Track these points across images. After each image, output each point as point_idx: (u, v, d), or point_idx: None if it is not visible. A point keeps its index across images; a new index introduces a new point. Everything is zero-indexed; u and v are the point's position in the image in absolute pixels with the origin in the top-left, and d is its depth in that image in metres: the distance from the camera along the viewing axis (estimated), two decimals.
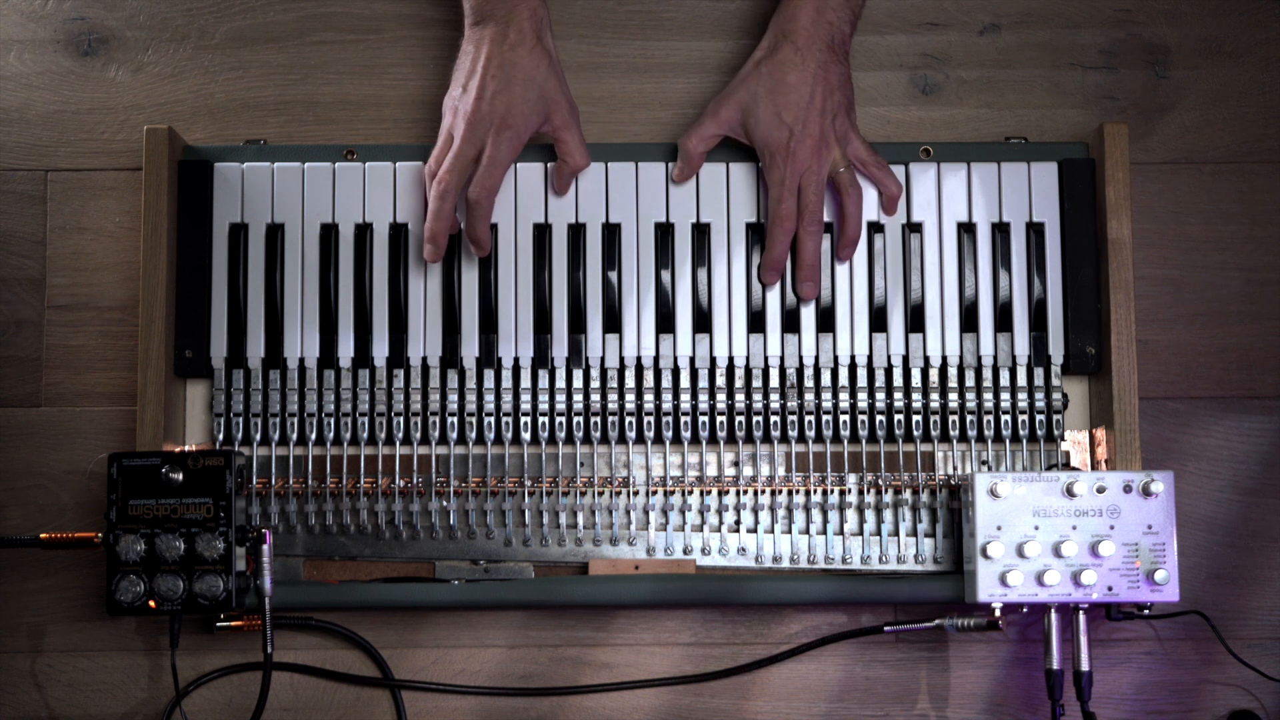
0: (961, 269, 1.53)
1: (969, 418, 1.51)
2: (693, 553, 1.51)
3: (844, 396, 1.51)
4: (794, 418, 1.51)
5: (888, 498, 1.51)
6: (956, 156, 1.54)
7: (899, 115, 1.60)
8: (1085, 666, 1.44)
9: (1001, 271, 1.53)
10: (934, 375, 1.52)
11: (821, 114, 1.47)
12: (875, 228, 1.53)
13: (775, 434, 1.51)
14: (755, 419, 1.51)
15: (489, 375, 1.51)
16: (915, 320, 1.53)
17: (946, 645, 1.54)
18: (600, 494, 1.50)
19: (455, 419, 1.51)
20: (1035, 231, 1.53)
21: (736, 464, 1.51)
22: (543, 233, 1.53)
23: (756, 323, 1.52)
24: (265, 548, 1.43)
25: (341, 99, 1.59)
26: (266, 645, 1.42)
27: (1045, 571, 1.42)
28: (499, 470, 1.51)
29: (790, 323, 1.52)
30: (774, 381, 1.52)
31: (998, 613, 1.44)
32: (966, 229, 1.53)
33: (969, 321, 1.52)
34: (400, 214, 1.53)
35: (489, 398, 1.51)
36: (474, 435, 1.51)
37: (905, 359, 1.52)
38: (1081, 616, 1.44)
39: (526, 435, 1.51)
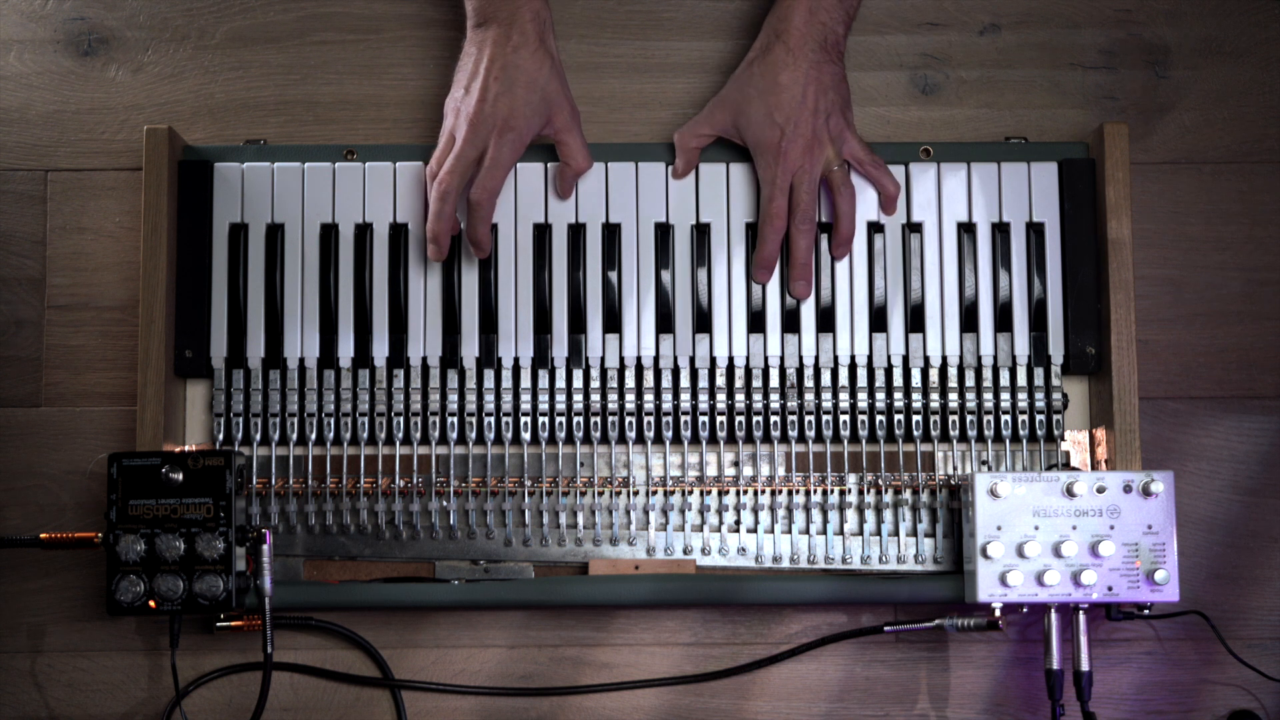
0: (961, 269, 1.53)
1: (969, 418, 1.51)
2: (693, 553, 1.51)
3: (844, 396, 1.51)
4: (794, 418, 1.51)
5: (888, 498, 1.51)
6: (956, 156, 1.54)
7: (899, 115, 1.60)
8: (1085, 666, 1.44)
9: (1001, 271, 1.53)
10: (934, 375, 1.52)
11: (814, 114, 1.47)
12: (875, 228, 1.53)
13: (775, 434, 1.51)
14: (755, 419, 1.51)
15: (489, 375, 1.51)
16: (915, 320, 1.53)
17: (946, 645, 1.54)
18: (600, 494, 1.50)
19: (455, 419, 1.51)
20: (1035, 231, 1.53)
21: (736, 464, 1.51)
22: (543, 233, 1.53)
23: (756, 323, 1.52)
24: (265, 548, 1.44)
25: (341, 99, 1.59)
26: (266, 645, 1.42)
27: (1045, 571, 1.42)
28: (499, 470, 1.51)
29: (790, 323, 1.52)
30: (774, 381, 1.52)
31: (998, 613, 1.44)
32: (966, 229, 1.53)
33: (969, 321, 1.52)
34: (400, 214, 1.53)
35: (489, 398, 1.51)
36: (474, 435, 1.51)
37: (905, 359, 1.52)
38: (1081, 616, 1.44)
39: (526, 435, 1.51)
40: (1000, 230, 1.53)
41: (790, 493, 1.51)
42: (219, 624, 1.49)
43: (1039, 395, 1.52)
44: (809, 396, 1.51)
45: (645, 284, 1.52)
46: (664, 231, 1.53)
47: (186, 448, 1.52)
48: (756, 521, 1.51)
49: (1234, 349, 1.57)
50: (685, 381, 1.52)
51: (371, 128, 1.59)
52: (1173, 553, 1.43)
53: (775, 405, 1.51)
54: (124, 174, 1.58)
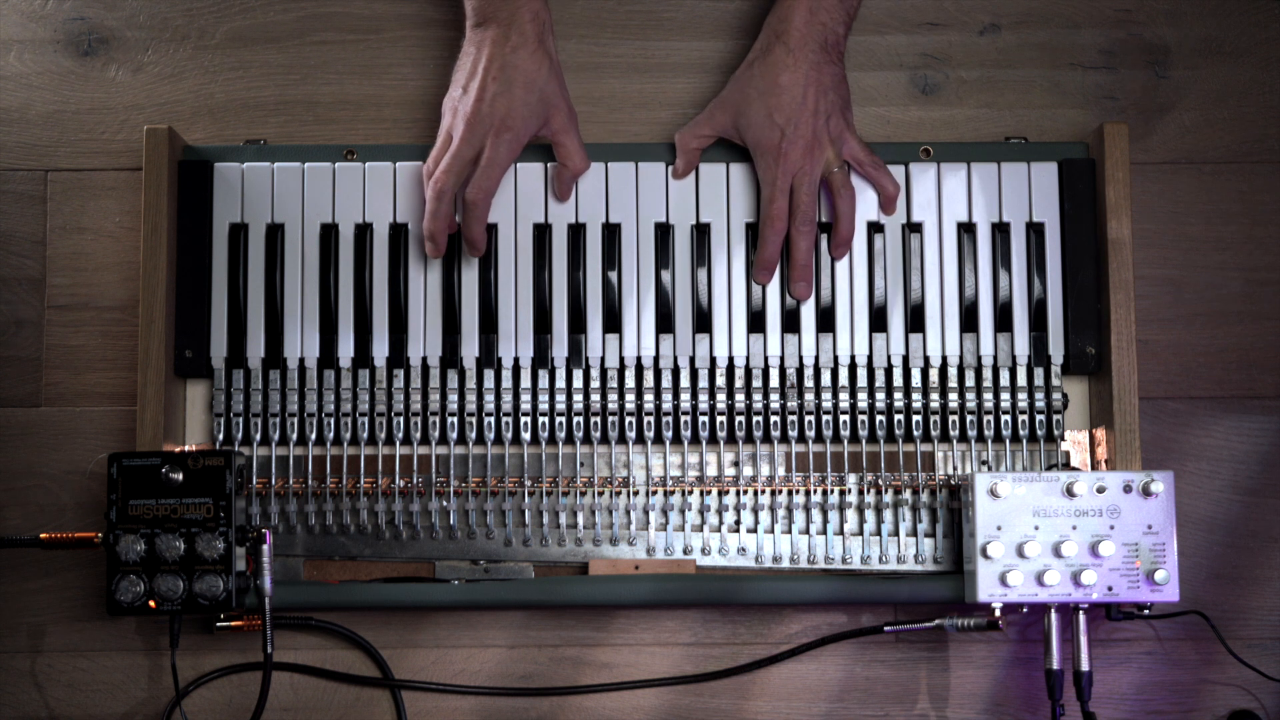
0: (961, 269, 1.53)
1: (969, 418, 1.51)
2: (693, 553, 1.51)
3: (844, 396, 1.51)
4: (794, 418, 1.51)
5: (888, 498, 1.51)
6: (956, 156, 1.54)
7: (899, 115, 1.60)
8: (1085, 666, 1.44)
9: (1001, 271, 1.53)
10: (934, 375, 1.52)
11: (814, 114, 1.47)
12: (875, 228, 1.53)
13: (775, 434, 1.51)
14: (755, 419, 1.51)
15: (489, 375, 1.51)
16: (915, 320, 1.53)
17: (946, 645, 1.54)
18: (600, 494, 1.50)
19: (455, 419, 1.51)
20: (1035, 231, 1.53)
21: (736, 464, 1.51)
22: (543, 233, 1.53)
23: (756, 323, 1.52)
24: (265, 548, 1.44)
25: (341, 99, 1.59)
26: (266, 645, 1.42)
27: (1045, 571, 1.42)
28: (499, 470, 1.51)
29: (790, 323, 1.52)
30: (774, 381, 1.52)
31: (998, 613, 1.44)
32: (966, 229, 1.53)
33: (969, 321, 1.52)
34: (400, 214, 1.53)
35: (489, 398, 1.51)
36: (474, 435, 1.51)
37: (905, 359, 1.52)
38: (1081, 616, 1.44)
39: (526, 435, 1.51)
40: (1000, 230, 1.53)
41: (790, 493, 1.51)
42: (219, 624, 1.49)
43: (1039, 395, 1.52)
44: (809, 396, 1.51)
45: (645, 284, 1.52)
46: (664, 231, 1.53)
47: (186, 448, 1.52)
48: (756, 521, 1.51)
49: (1234, 349, 1.57)
50: (685, 381, 1.52)
51: (371, 128, 1.59)
52: (1173, 553, 1.43)
53: (775, 405, 1.51)
54: (124, 174, 1.58)
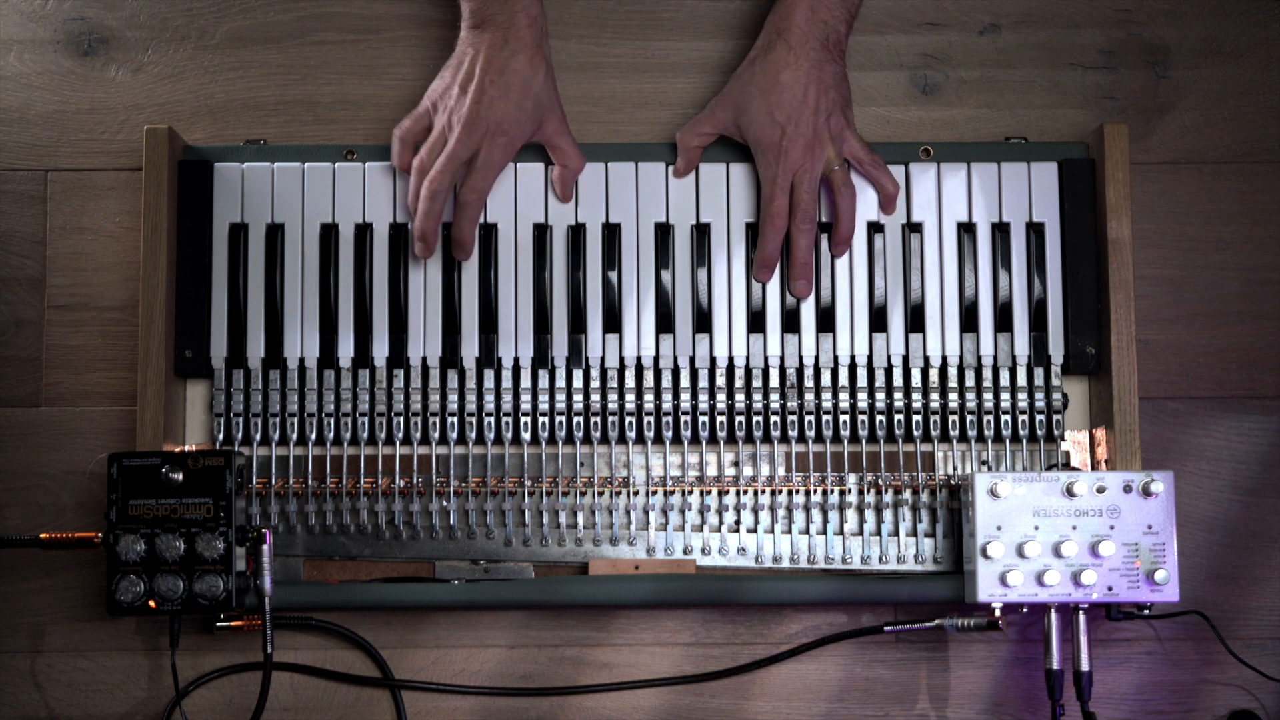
0: (961, 269, 1.53)
1: (969, 418, 1.51)
2: (693, 553, 1.51)
3: (844, 396, 1.51)
4: (794, 418, 1.51)
5: (888, 498, 1.51)
6: (956, 156, 1.54)
7: (899, 115, 1.60)
8: (1085, 666, 1.44)
9: (1001, 271, 1.53)
10: (934, 375, 1.52)
11: (815, 113, 1.47)
12: (875, 227, 1.53)
13: (775, 434, 1.51)
14: (755, 419, 1.51)
15: (489, 375, 1.51)
16: (915, 320, 1.53)
17: (946, 645, 1.54)
18: (600, 494, 1.50)
19: (455, 419, 1.51)
20: (1035, 231, 1.53)
21: (736, 464, 1.51)
22: (543, 233, 1.53)
23: (756, 323, 1.52)
24: (265, 548, 1.43)
25: (341, 99, 1.59)
26: (266, 645, 1.42)
27: (1045, 571, 1.42)
28: (499, 470, 1.51)
29: (790, 323, 1.52)
30: (774, 381, 1.52)
31: (998, 613, 1.44)
32: (966, 229, 1.53)
33: (969, 321, 1.52)
34: (400, 214, 1.53)
35: (489, 398, 1.51)
36: (474, 435, 1.51)
37: (905, 359, 1.52)
38: (1081, 616, 1.44)
39: (526, 435, 1.51)
40: (1000, 230, 1.53)
41: (790, 493, 1.51)
42: (219, 624, 1.49)
43: (1039, 395, 1.52)
44: (809, 396, 1.51)
45: (645, 284, 1.52)
46: (664, 231, 1.53)
47: (186, 448, 1.52)
48: (756, 521, 1.51)
49: (1234, 349, 1.57)
50: (685, 381, 1.52)
51: (371, 128, 1.59)
52: (1173, 553, 1.43)
53: (775, 405, 1.51)
54: (124, 174, 1.58)
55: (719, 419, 1.51)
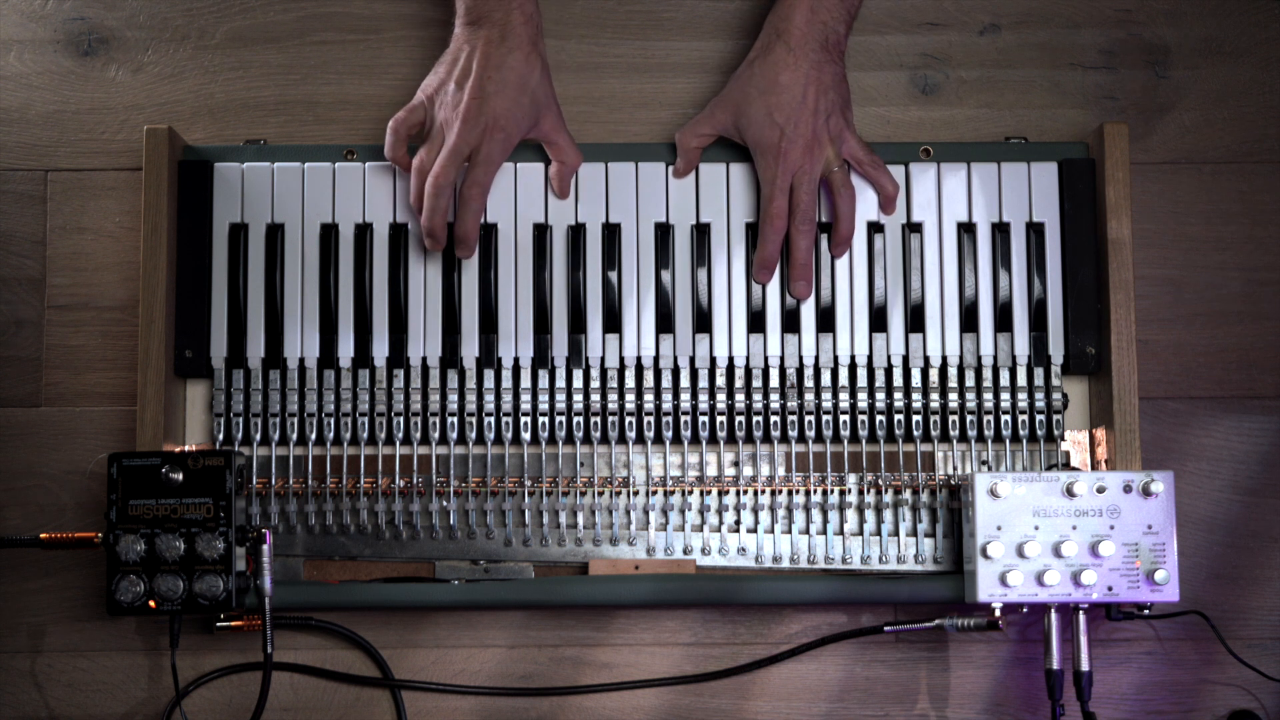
0: (961, 269, 1.53)
1: (969, 418, 1.51)
2: (693, 553, 1.51)
3: (844, 396, 1.51)
4: (794, 418, 1.51)
5: (888, 498, 1.51)
6: (956, 156, 1.54)
7: (899, 115, 1.60)
8: (1085, 666, 1.44)
9: (1001, 271, 1.53)
10: (934, 375, 1.52)
11: (814, 114, 1.47)
12: (875, 228, 1.53)
13: (775, 434, 1.51)
14: (755, 419, 1.51)
15: (489, 375, 1.51)
16: (915, 320, 1.53)
17: (946, 645, 1.54)
18: (600, 494, 1.50)
19: (455, 419, 1.51)
20: (1035, 231, 1.53)
21: (736, 464, 1.51)
22: (543, 233, 1.53)
23: (756, 323, 1.52)
24: (265, 548, 1.44)
25: (341, 99, 1.59)
26: (266, 645, 1.42)
27: (1045, 571, 1.42)
28: (499, 470, 1.51)
29: (790, 323, 1.52)
30: (774, 381, 1.52)
31: (998, 613, 1.44)
32: (966, 229, 1.53)
33: (969, 321, 1.52)
34: (400, 214, 1.53)
35: (489, 398, 1.51)
36: (474, 435, 1.51)
37: (905, 359, 1.52)
38: (1081, 616, 1.44)
39: (526, 435, 1.51)
40: (1000, 230, 1.53)
41: (790, 493, 1.51)
42: (219, 624, 1.49)
43: (1039, 395, 1.52)
44: (809, 396, 1.51)
45: (645, 284, 1.52)
46: (664, 231, 1.53)
47: (186, 448, 1.52)
48: (756, 521, 1.51)
49: (1234, 349, 1.57)
50: (685, 381, 1.52)
51: (371, 128, 1.59)
52: (1173, 553, 1.43)
53: (775, 405, 1.51)
54: (124, 174, 1.58)
55: (719, 419, 1.51)
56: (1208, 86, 1.60)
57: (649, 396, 1.51)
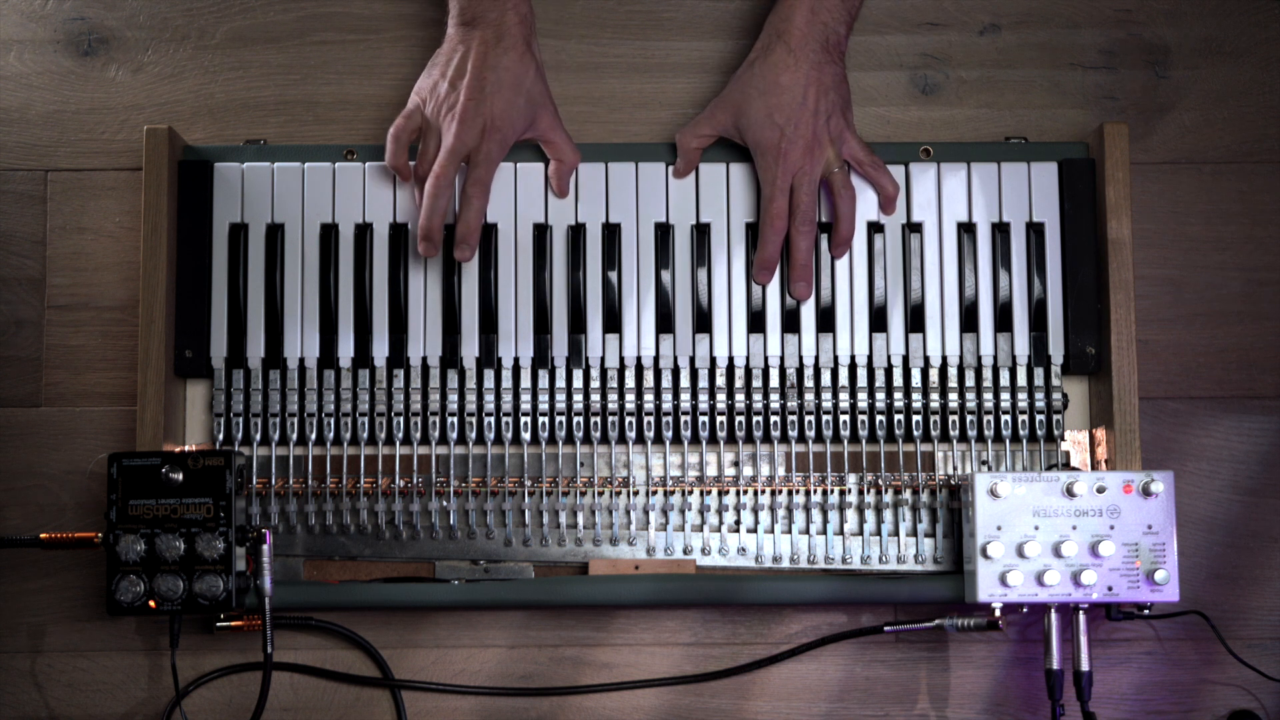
0: (961, 269, 1.53)
1: (969, 418, 1.51)
2: (693, 553, 1.51)
3: (844, 396, 1.52)
4: (794, 418, 1.51)
5: (888, 498, 1.51)
6: (956, 156, 1.54)
7: (899, 115, 1.60)
8: (1085, 666, 1.44)
9: (1001, 271, 1.53)
10: (934, 375, 1.52)
11: (814, 115, 1.47)
12: (875, 228, 1.53)
13: (775, 434, 1.51)
14: (755, 419, 1.51)
15: (489, 375, 1.51)
16: (915, 320, 1.53)
17: (946, 645, 1.54)
18: (600, 494, 1.50)
19: (455, 419, 1.51)
20: (1035, 231, 1.53)
21: (736, 464, 1.51)
22: (543, 233, 1.53)
23: (756, 323, 1.52)
24: (265, 548, 1.43)
25: (341, 99, 1.59)
26: (266, 645, 1.42)
27: (1045, 571, 1.42)
28: (499, 470, 1.51)
29: (790, 323, 1.52)
30: (774, 381, 1.52)
31: (998, 613, 1.44)
32: (966, 229, 1.53)
33: (969, 321, 1.52)
34: (400, 214, 1.53)
35: (489, 398, 1.51)
36: (474, 435, 1.51)
37: (905, 359, 1.52)
38: (1081, 616, 1.44)
39: (526, 435, 1.51)
40: (1000, 230, 1.53)
41: (790, 493, 1.51)
42: (219, 624, 1.49)
43: (1039, 395, 1.52)
44: (809, 396, 1.51)
45: (645, 284, 1.52)
46: (664, 231, 1.53)
47: (186, 448, 1.52)
48: (756, 521, 1.51)
49: (1234, 349, 1.57)
50: (685, 381, 1.52)
51: (371, 128, 1.59)
52: (1173, 553, 1.43)
53: (775, 405, 1.51)
54: (124, 174, 1.58)
55: (719, 419, 1.51)
56: (1208, 86, 1.60)
57: (649, 396, 1.51)
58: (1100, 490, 1.43)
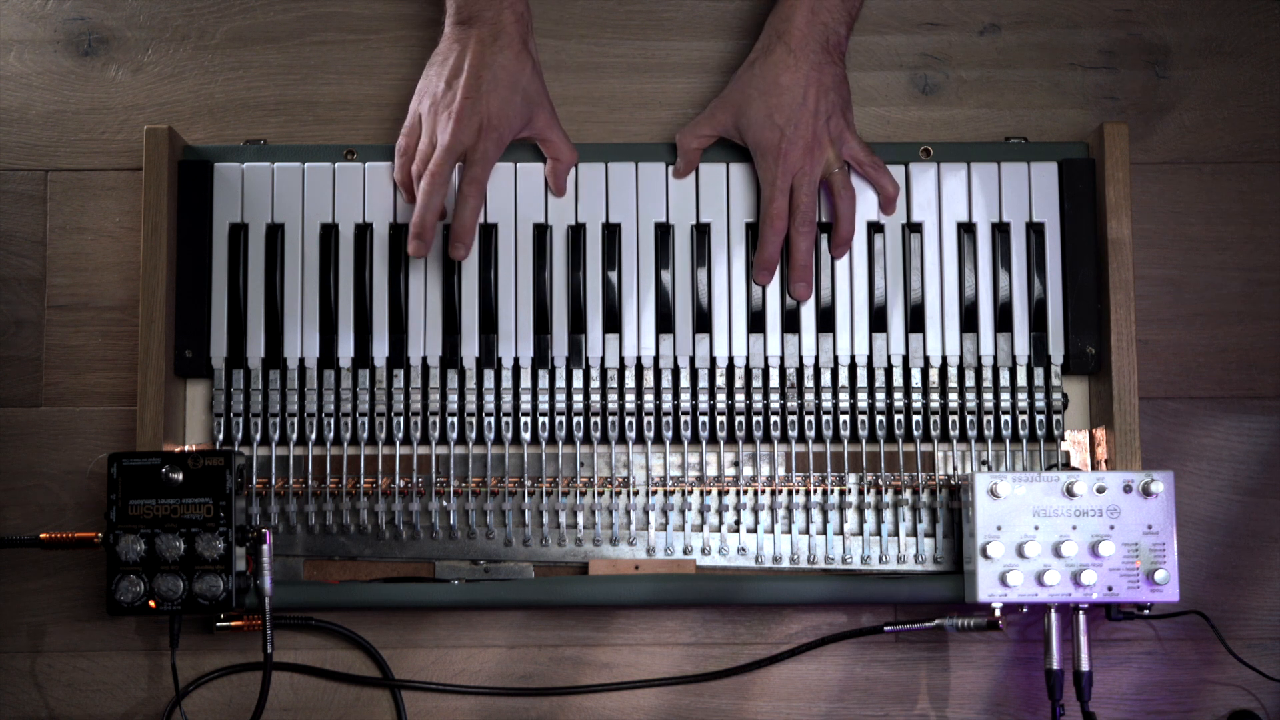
0: (961, 269, 1.53)
1: (969, 418, 1.51)
2: (693, 553, 1.51)
3: (844, 396, 1.52)
4: (794, 418, 1.51)
5: (888, 498, 1.51)
6: (956, 156, 1.54)
7: (899, 115, 1.60)
8: (1085, 666, 1.44)
9: (1001, 271, 1.53)
10: (934, 375, 1.52)
11: (814, 115, 1.47)
12: (875, 228, 1.53)
13: (775, 434, 1.51)
14: (755, 419, 1.51)
15: (489, 375, 1.51)
16: (915, 320, 1.53)
17: (946, 645, 1.54)
18: (600, 494, 1.50)
19: (455, 419, 1.51)
20: (1035, 231, 1.53)
21: (736, 464, 1.51)
22: (543, 233, 1.53)
23: (756, 323, 1.52)
24: (265, 548, 1.44)
25: (341, 99, 1.59)
26: (266, 645, 1.42)
27: (1045, 571, 1.42)
28: (499, 470, 1.51)
29: (790, 323, 1.52)
30: (774, 381, 1.52)
31: (998, 613, 1.44)
32: (966, 229, 1.53)
33: (969, 321, 1.52)
34: (400, 214, 1.53)
35: (489, 398, 1.51)
36: (474, 435, 1.51)
37: (905, 359, 1.52)
38: (1081, 616, 1.44)
39: (526, 435, 1.51)
40: (1000, 230, 1.53)
41: (790, 493, 1.51)
42: (219, 624, 1.49)
43: (1039, 395, 1.52)
44: (809, 396, 1.51)
45: (645, 284, 1.52)
46: (664, 231, 1.53)
47: (186, 448, 1.52)
48: (756, 521, 1.51)
49: (1234, 349, 1.57)
50: (685, 381, 1.52)
51: (371, 128, 1.59)
52: (1173, 553, 1.43)
53: (775, 405, 1.51)
54: (124, 174, 1.58)
55: (719, 419, 1.51)
56: (1208, 86, 1.60)
57: (649, 396, 1.51)
58: (1100, 490, 1.43)
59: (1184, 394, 1.57)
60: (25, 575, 1.54)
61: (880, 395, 1.52)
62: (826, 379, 1.52)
